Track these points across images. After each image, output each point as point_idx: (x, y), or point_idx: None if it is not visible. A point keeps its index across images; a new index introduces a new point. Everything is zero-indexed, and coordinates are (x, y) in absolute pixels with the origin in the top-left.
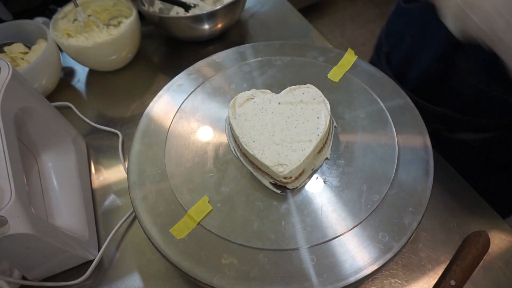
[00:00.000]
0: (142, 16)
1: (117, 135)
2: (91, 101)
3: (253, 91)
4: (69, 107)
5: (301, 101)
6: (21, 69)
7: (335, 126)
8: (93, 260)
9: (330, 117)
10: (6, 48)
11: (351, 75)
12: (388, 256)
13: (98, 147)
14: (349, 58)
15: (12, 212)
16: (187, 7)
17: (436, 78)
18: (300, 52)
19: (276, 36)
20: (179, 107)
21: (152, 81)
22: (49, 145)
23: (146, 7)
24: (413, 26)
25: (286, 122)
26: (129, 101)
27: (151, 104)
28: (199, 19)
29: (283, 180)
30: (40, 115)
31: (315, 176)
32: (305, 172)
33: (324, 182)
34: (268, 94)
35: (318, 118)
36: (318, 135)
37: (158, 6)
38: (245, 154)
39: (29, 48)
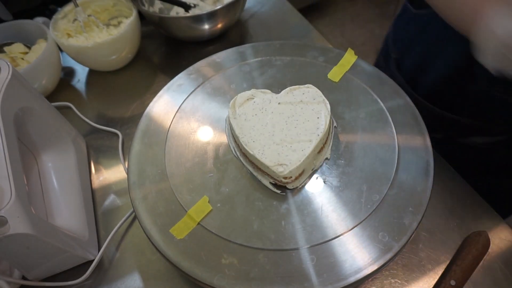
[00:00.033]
0: (142, 16)
1: (117, 135)
2: (91, 101)
3: (253, 91)
4: (69, 107)
5: (301, 101)
6: (21, 69)
7: (335, 126)
8: (93, 260)
9: (330, 117)
10: (6, 48)
11: (351, 75)
12: (388, 256)
13: (98, 147)
14: (349, 58)
15: (12, 212)
16: (187, 7)
17: (452, 86)
18: (300, 52)
19: (276, 36)
20: (179, 107)
21: (152, 81)
22: (49, 145)
23: (146, 7)
24: (426, 33)
25: (286, 122)
26: (129, 101)
27: (151, 104)
28: (199, 19)
29: (283, 180)
30: (40, 115)
31: (315, 176)
32: (305, 172)
33: (324, 182)
34: (268, 94)
35: (318, 118)
36: (318, 135)
37: (158, 6)
38: (245, 154)
39: (29, 48)
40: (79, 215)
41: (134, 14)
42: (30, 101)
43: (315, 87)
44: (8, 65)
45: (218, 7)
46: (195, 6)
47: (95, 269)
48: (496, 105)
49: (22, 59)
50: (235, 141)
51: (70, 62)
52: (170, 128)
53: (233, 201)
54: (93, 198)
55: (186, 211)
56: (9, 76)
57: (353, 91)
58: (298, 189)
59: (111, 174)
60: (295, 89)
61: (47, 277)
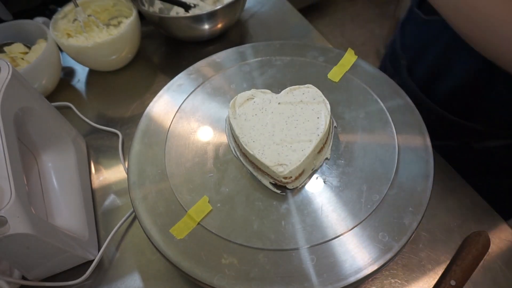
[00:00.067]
0: (142, 16)
1: (117, 135)
2: (91, 101)
3: (253, 91)
4: (69, 107)
5: (301, 101)
6: (21, 69)
7: (335, 126)
8: (93, 260)
9: (330, 117)
10: (6, 48)
11: (351, 75)
12: (388, 256)
13: (98, 147)
14: (349, 58)
15: (12, 212)
16: (187, 7)
17: (470, 93)
18: (300, 52)
19: (276, 36)
20: (179, 107)
21: (152, 81)
22: (49, 145)
23: (146, 7)
24: (439, 39)
25: (286, 122)
26: (129, 101)
27: (151, 104)
28: (199, 19)
29: (283, 180)
30: (40, 115)
31: (315, 176)
32: (305, 172)
33: (324, 182)
34: (268, 94)
35: (318, 118)
36: (318, 135)
37: (158, 6)
38: (245, 154)
39: (29, 48)
40: (79, 215)
41: (134, 14)
42: (30, 101)
43: (315, 87)
44: (8, 65)
45: (218, 7)
46: (195, 6)
47: (95, 269)
48: None
49: (22, 59)
50: (235, 141)
51: (70, 62)
52: (170, 128)
53: (233, 201)
54: (93, 198)
55: (186, 211)
56: (9, 76)
57: (353, 91)
58: (298, 189)
59: (111, 174)
60: (295, 89)
61: (47, 277)
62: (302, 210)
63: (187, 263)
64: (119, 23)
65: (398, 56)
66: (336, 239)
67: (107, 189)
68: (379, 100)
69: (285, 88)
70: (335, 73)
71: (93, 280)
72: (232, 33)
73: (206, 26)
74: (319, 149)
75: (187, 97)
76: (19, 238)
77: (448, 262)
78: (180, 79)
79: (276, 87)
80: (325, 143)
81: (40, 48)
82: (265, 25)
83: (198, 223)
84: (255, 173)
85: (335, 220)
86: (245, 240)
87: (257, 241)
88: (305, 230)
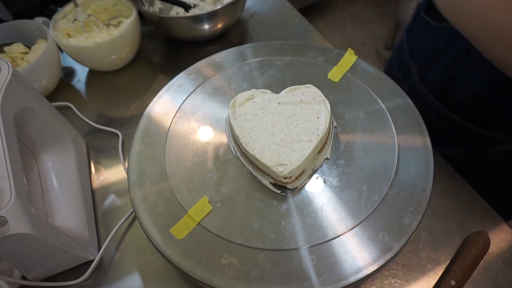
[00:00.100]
0: (142, 16)
1: (117, 135)
2: (91, 101)
3: (253, 91)
4: (69, 107)
5: (301, 101)
6: (21, 69)
7: (335, 126)
8: (93, 260)
9: (330, 117)
10: (6, 48)
11: (351, 75)
12: (388, 256)
13: (98, 147)
14: (349, 58)
15: (12, 212)
16: (187, 7)
17: (486, 100)
18: (300, 52)
19: (276, 36)
20: (179, 107)
21: (152, 81)
22: (49, 145)
23: (146, 7)
24: (452, 46)
25: (286, 122)
26: (129, 101)
27: (151, 104)
28: (199, 19)
29: (283, 180)
30: (40, 115)
31: (315, 176)
32: (305, 172)
33: (324, 182)
34: (268, 94)
35: (318, 118)
36: (318, 135)
37: (158, 6)
38: (245, 154)
39: (29, 48)
40: (79, 215)
41: (134, 14)
42: (30, 101)
43: (315, 87)
44: (8, 65)
45: (218, 7)
46: (195, 6)
47: (95, 269)
48: None
49: (22, 59)
50: (235, 141)
51: (70, 62)
52: (170, 128)
53: (233, 201)
54: (93, 198)
55: (186, 211)
56: (9, 76)
57: (353, 91)
58: (298, 189)
59: (111, 174)
60: (295, 89)
61: (47, 277)
62: (302, 210)
63: (187, 263)
64: (119, 23)
65: (407, 62)
66: (336, 239)
67: (107, 189)
68: (379, 100)
69: (285, 88)
70: (335, 73)
71: (93, 280)
72: (232, 33)
73: (206, 26)
74: (319, 149)
75: (187, 97)
76: (19, 238)
77: (448, 262)
78: (180, 79)
79: (276, 87)
80: (325, 143)
81: (40, 48)
82: (265, 25)
83: (198, 223)
84: (255, 173)
85: (335, 220)
86: (245, 240)
87: (257, 241)
88: (305, 230)
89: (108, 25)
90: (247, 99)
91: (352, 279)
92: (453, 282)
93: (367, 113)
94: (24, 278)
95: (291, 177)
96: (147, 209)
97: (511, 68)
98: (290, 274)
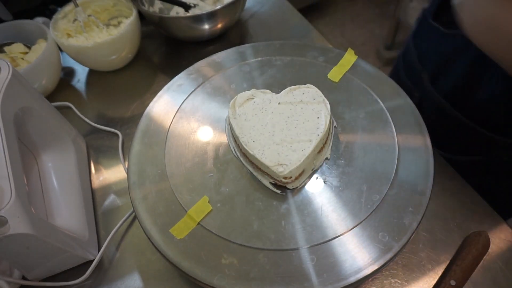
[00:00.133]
0: (142, 16)
1: (117, 135)
2: (91, 101)
3: (253, 91)
4: (69, 107)
5: (301, 101)
6: (21, 69)
7: (335, 126)
8: (93, 260)
9: (330, 117)
10: (6, 48)
11: (351, 75)
12: (388, 256)
13: (98, 147)
14: (349, 58)
15: (12, 212)
16: (187, 7)
17: (505, 107)
18: (300, 52)
19: (276, 36)
20: (179, 107)
21: (152, 81)
22: (49, 145)
23: (146, 7)
24: (467, 53)
25: (286, 122)
26: (129, 101)
27: (151, 104)
28: (199, 19)
29: (283, 180)
30: (40, 115)
31: (315, 176)
32: (305, 172)
33: (324, 182)
34: (268, 94)
35: (318, 118)
36: (318, 135)
37: (158, 6)
38: (245, 154)
39: (29, 48)
40: (79, 215)
41: (134, 14)
42: (30, 101)
43: (315, 87)
44: (8, 65)
45: (218, 7)
46: (195, 6)
47: (95, 269)
48: None
49: (22, 59)
50: (235, 141)
51: (70, 62)
52: (170, 128)
53: (233, 201)
54: (93, 198)
55: (186, 211)
56: (9, 76)
57: (353, 91)
58: (298, 189)
59: (111, 174)
60: (295, 89)
61: (47, 277)
62: (302, 210)
63: (187, 263)
64: (119, 23)
65: (417, 69)
66: (336, 239)
67: (107, 189)
68: (379, 100)
69: (285, 88)
70: (335, 73)
71: (93, 280)
72: (232, 33)
73: (206, 26)
74: (319, 149)
75: (187, 97)
76: (19, 238)
77: (448, 262)
78: (180, 79)
79: (276, 87)
80: (325, 143)
81: (40, 48)
82: (265, 25)
83: (198, 223)
84: (255, 173)
85: (335, 220)
86: (245, 240)
87: (257, 241)
88: (305, 230)
89: (108, 25)
90: (247, 99)
91: (352, 279)
92: (453, 282)
93: (367, 113)
94: (24, 278)
95: (291, 177)
96: (147, 209)
97: None
98: (290, 274)
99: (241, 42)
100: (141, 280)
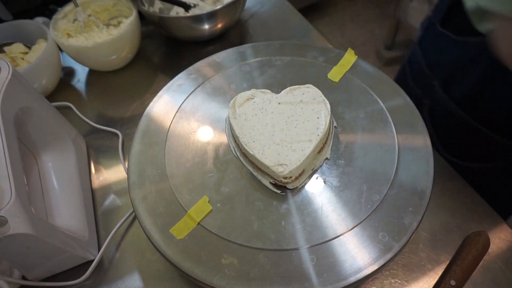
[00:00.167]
0: (142, 16)
1: (117, 135)
2: (91, 101)
3: (253, 91)
4: (69, 107)
5: (301, 101)
6: (21, 69)
7: (335, 126)
8: (93, 260)
9: (330, 117)
10: (6, 48)
11: (351, 75)
12: (388, 256)
13: (98, 147)
14: (349, 58)
15: (12, 212)
16: (187, 7)
17: None
18: (300, 52)
19: (276, 36)
20: (179, 107)
21: (152, 81)
22: (49, 145)
23: (146, 7)
24: (481, 60)
25: (286, 122)
26: (129, 101)
27: (151, 104)
28: (199, 19)
29: (283, 180)
30: (40, 115)
31: (315, 176)
32: (305, 172)
33: (324, 182)
34: (268, 94)
35: (318, 118)
36: (318, 135)
37: (158, 6)
38: (245, 154)
39: (29, 48)
40: (79, 215)
41: (134, 14)
42: (30, 101)
43: (315, 87)
44: (8, 65)
45: (218, 7)
46: (195, 6)
47: (95, 269)
48: None
49: (22, 59)
50: (235, 141)
51: (70, 62)
52: (170, 128)
53: (233, 201)
54: (93, 198)
55: (186, 211)
56: (9, 76)
57: (353, 91)
58: (298, 189)
59: (111, 174)
60: (295, 89)
61: (47, 277)
62: (302, 210)
63: (187, 263)
64: (119, 23)
65: (427, 76)
66: (336, 239)
67: (107, 189)
68: (379, 100)
69: (285, 88)
70: (335, 73)
71: (93, 280)
72: (232, 33)
73: (206, 26)
74: (319, 149)
75: (187, 97)
76: (19, 238)
77: (448, 262)
78: (180, 79)
79: (276, 87)
80: (325, 143)
81: (40, 48)
82: (265, 25)
83: (198, 223)
84: (255, 173)
85: (335, 220)
86: (245, 240)
87: (257, 241)
88: (305, 230)
89: (108, 25)
90: (247, 99)
91: (352, 279)
92: (453, 282)
93: (367, 113)
94: (24, 278)
95: (291, 177)
96: (147, 209)
97: None
98: (290, 274)
99: (241, 42)
100: (141, 280)
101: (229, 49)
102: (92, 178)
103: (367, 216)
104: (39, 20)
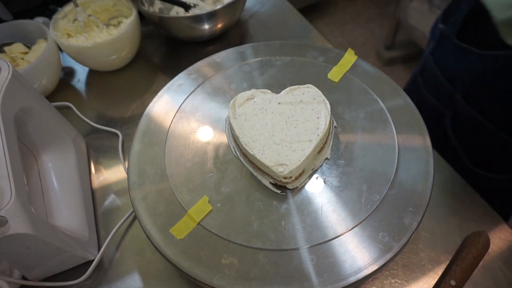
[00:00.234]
0: (142, 16)
1: (117, 135)
2: (91, 101)
3: (253, 91)
4: (69, 107)
5: (301, 101)
6: (21, 69)
7: (335, 126)
8: (93, 260)
9: (330, 117)
10: (6, 48)
11: (351, 75)
12: (388, 256)
13: (98, 147)
14: (349, 58)
15: (12, 212)
16: (187, 7)
17: None
18: (300, 52)
19: (276, 36)
20: (179, 107)
21: (152, 81)
22: (49, 145)
23: (146, 7)
24: (509, 72)
25: (286, 122)
26: (129, 101)
27: (151, 104)
28: (199, 19)
29: (283, 180)
30: (40, 115)
31: (315, 176)
32: (305, 172)
33: (324, 182)
34: (268, 94)
35: (318, 118)
36: (318, 135)
37: (158, 6)
38: (245, 154)
39: (29, 48)
40: (79, 215)
41: (134, 14)
42: (30, 101)
43: (315, 87)
44: (8, 65)
45: (218, 7)
46: (195, 6)
47: (95, 269)
48: None
49: (22, 59)
50: (235, 141)
51: (70, 62)
52: (170, 128)
53: (233, 201)
54: (93, 198)
55: (186, 211)
56: (9, 76)
57: (353, 91)
58: (298, 189)
59: (111, 174)
60: (295, 89)
61: (47, 277)
62: (302, 210)
63: (187, 263)
64: (119, 23)
65: (447, 90)
66: (336, 239)
67: (107, 189)
68: (379, 100)
69: (285, 88)
70: (335, 73)
71: (93, 280)
72: (232, 33)
73: (206, 26)
74: (319, 149)
75: (187, 97)
76: (19, 238)
77: (448, 262)
78: (180, 79)
79: (276, 87)
80: (325, 143)
81: (40, 48)
82: (265, 25)
83: (198, 223)
84: (255, 173)
85: (335, 220)
86: (245, 240)
87: (257, 241)
88: (305, 230)
89: (108, 25)
90: (247, 99)
91: (352, 279)
92: (453, 282)
93: (367, 113)
94: (24, 278)
95: (291, 177)
96: (147, 209)
97: None
98: (290, 274)
99: (241, 42)
100: (141, 280)
101: (229, 49)
102: (92, 178)
103: (367, 216)
104: (39, 20)
